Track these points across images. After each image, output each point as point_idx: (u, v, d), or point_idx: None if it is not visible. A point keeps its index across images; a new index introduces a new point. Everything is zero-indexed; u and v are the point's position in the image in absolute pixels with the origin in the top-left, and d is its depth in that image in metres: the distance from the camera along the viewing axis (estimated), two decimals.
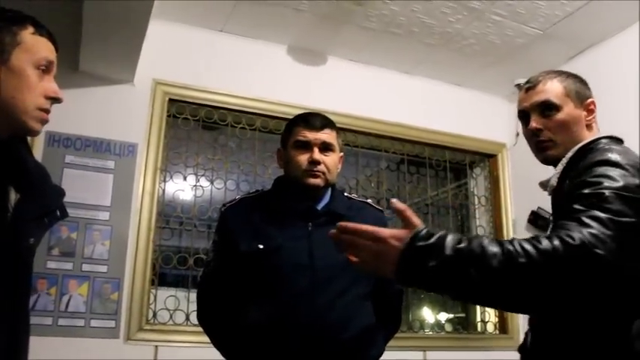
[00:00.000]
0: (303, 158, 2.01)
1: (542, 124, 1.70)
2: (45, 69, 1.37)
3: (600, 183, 1.36)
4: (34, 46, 1.35)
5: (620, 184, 1.35)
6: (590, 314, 1.37)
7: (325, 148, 2.04)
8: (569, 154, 1.62)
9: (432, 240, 1.23)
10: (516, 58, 3.77)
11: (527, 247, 1.22)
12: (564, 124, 1.68)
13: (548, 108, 1.70)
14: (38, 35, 1.37)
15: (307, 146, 2.03)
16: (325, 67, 3.91)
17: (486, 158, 4.41)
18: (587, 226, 1.25)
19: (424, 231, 1.24)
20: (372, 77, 4.03)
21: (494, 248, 1.22)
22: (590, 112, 1.70)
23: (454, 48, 3.78)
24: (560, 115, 1.68)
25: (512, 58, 3.79)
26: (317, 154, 2.01)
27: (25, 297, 1.44)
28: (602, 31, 3.55)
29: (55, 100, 1.39)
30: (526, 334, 1.67)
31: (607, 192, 1.33)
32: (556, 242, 1.21)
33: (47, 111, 1.38)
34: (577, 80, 1.74)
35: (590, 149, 1.58)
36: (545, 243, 1.22)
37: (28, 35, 1.35)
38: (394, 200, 1.34)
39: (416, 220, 1.28)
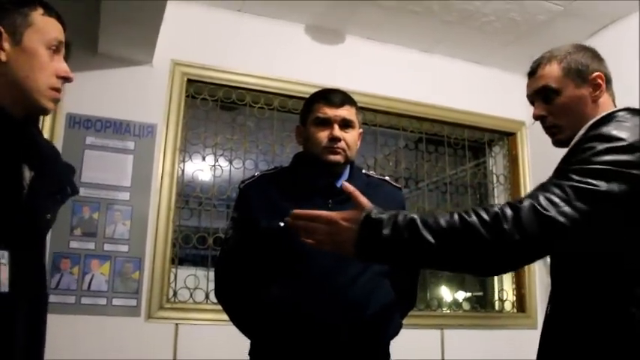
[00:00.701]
0: (323, 135, 2.00)
1: (546, 110, 1.69)
2: (55, 49, 1.40)
3: (585, 158, 1.39)
4: (45, 27, 1.39)
5: (604, 158, 1.37)
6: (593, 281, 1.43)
7: (345, 124, 2.03)
8: (581, 132, 1.57)
9: (385, 215, 1.36)
10: (537, 35, 3.71)
11: (480, 210, 1.34)
12: (566, 108, 1.65)
13: (547, 93, 1.68)
14: (47, 16, 1.41)
15: (327, 123, 2.01)
16: (343, 46, 3.89)
17: (505, 136, 4.38)
18: (547, 191, 1.33)
19: (375, 209, 1.38)
20: (391, 56, 4.01)
21: (445, 215, 1.36)
22: (597, 86, 1.64)
23: (473, 25, 3.73)
24: (560, 99, 1.65)
25: (533, 35, 3.73)
26: (337, 131, 2.00)
27: (43, 269, 1.49)
28: (623, 7, 3.48)
29: (66, 79, 1.43)
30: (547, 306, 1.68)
31: (582, 166, 1.37)
32: (506, 208, 1.32)
33: (59, 90, 1.42)
34: (582, 55, 1.68)
35: (603, 123, 1.54)
36: (496, 207, 1.33)
37: (38, 16, 1.39)
38: (345, 183, 1.48)
39: (364, 201, 1.42)
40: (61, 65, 1.41)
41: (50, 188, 1.45)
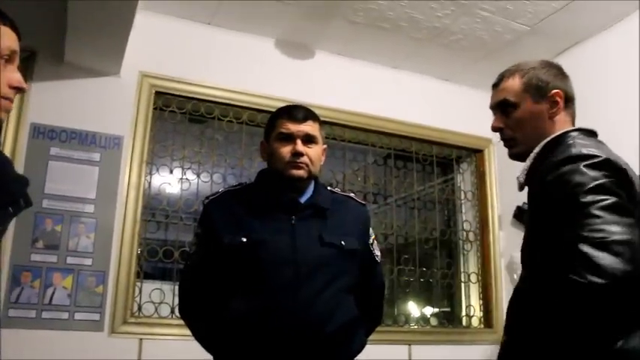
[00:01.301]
0: (286, 150, 2.00)
1: (503, 123, 1.72)
2: (7, 59, 1.35)
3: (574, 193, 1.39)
4: None
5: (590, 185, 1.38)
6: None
7: (308, 140, 2.03)
8: (537, 150, 1.61)
9: None
10: (504, 53, 3.77)
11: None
12: (521, 122, 1.68)
13: (506, 106, 1.71)
14: (1, 24, 1.35)
15: (290, 138, 2.01)
16: (313, 61, 3.90)
17: (473, 153, 4.42)
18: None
19: None
20: (360, 71, 4.03)
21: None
22: (555, 103, 1.66)
23: (442, 43, 3.78)
24: (517, 113, 1.68)
25: (500, 53, 3.79)
26: (300, 146, 2.00)
27: None
28: (589, 27, 3.56)
29: (19, 89, 1.38)
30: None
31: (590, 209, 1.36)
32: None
33: (11, 100, 1.36)
34: (545, 71, 1.70)
35: (558, 143, 1.58)
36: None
37: None
38: None
39: None
40: (14, 75, 1.36)
41: (2, 200, 1.40)
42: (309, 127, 2.04)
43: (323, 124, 2.16)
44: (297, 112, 2.06)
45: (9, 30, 1.37)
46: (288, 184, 2.03)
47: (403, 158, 4.24)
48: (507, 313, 1.64)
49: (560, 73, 1.73)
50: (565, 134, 1.60)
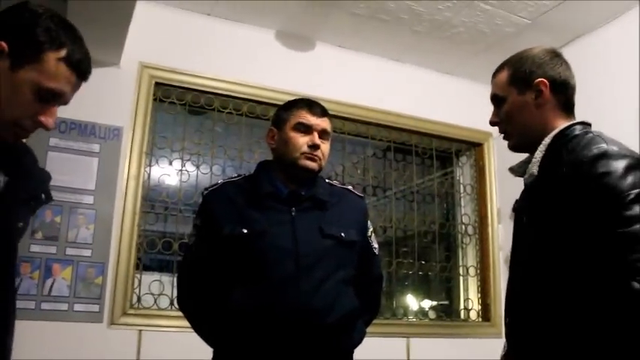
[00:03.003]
0: (304, 140, 2.01)
1: (498, 117, 1.74)
2: (46, 100, 1.27)
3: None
4: (49, 72, 1.25)
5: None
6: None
7: (324, 135, 2.06)
8: (547, 141, 1.60)
9: None
10: (505, 47, 3.73)
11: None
12: (510, 115, 1.69)
13: (496, 101, 1.73)
14: (64, 64, 1.27)
15: (309, 130, 2.03)
16: (313, 53, 3.89)
17: (472, 147, 4.42)
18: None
19: None
20: (360, 64, 4.02)
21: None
22: (539, 92, 1.64)
23: (443, 36, 3.77)
24: (505, 107, 1.70)
25: (501, 47, 3.78)
26: (317, 139, 2.03)
27: (12, 278, 1.42)
28: (590, 21, 3.56)
29: (42, 126, 1.30)
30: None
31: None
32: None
33: (26, 130, 1.30)
34: (531, 60, 1.68)
35: (565, 136, 1.58)
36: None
37: (52, 59, 1.25)
38: None
39: None
40: (45, 111, 1.28)
41: (24, 194, 1.39)
42: (326, 123, 2.08)
43: None
44: (316, 106, 2.10)
45: (68, 73, 1.29)
46: (296, 175, 2.04)
47: (403, 151, 4.23)
48: (517, 316, 1.61)
49: (551, 59, 1.70)
50: (569, 127, 1.60)
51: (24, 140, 1.41)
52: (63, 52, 1.26)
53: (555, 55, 1.72)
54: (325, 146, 2.06)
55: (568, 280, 1.44)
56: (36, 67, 1.24)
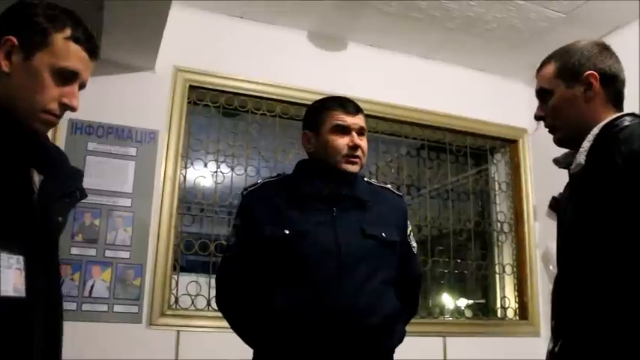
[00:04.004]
0: (343, 142, 1.99)
1: (543, 111, 1.69)
2: (65, 78, 1.34)
3: None
4: (61, 52, 1.33)
5: None
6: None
7: (361, 132, 2.04)
8: (595, 131, 1.55)
9: None
10: (539, 42, 3.70)
11: None
12: (557, 109, 1.65)
13: (543, 94, 1.69)
14: (73, 42, 1.35)
15: (346, 130, 2.01)
16: (345, 53, 3.89)
17: (507, 144, 4.37)
18: None
19: None
20: (392, 62, 4.01)
21: None
22: (589, 86, 1.60)
23: (475, 32, 3.74)
24: (552, 101, 1.65)
25: (534, 42, 3.73)
26: (357, 139, 2.01)
27: (57, 272, 1.48)
28: (625, 14, 3.48)
29: (68, 107, 1.37)
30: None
31: None
32: None
33: (56, 115, 1.36)
34: (580, 53, 1.64)
35: (615, 126, 1.53)
36: None
37: (60, 39, 1.34)
38: None
39: None
40: (67, 91, 1.35)
41: (59, 192, 1.44)
42: (362, 120, 2.06)
43: None
44: (350, 104, 2.07)
45: (79, 49, 1.36)
46: (336, 177, 2.02)
47: (436, 149, 4.21)
48: (566, 318, 1.56)
49: (600, 51, 1.66)
50: (620, 118, 1.55)
51: (61, 147, 1.45)
52: (68, 32, 1.34)
53: (604, 47, 1.68)
54: (364, 143, 2.04)
55: (625, 277, 1.39)
56: (47, 50, 1.32)
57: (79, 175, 1.56)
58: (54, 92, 1.33)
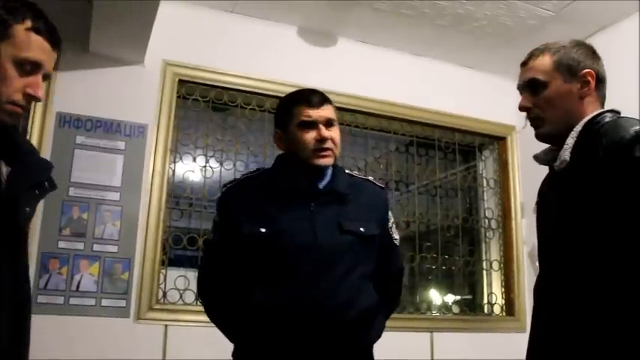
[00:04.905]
0: (311, 137, 1.97)
1: (532, 102, 1.68)
2: (30, 69, 1.35)
3: None
4: (23, 44, 1.33)
5: None
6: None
7: (329, 123, 2.00)
8: (578, 128, 1.57)
9: None
10: (528, 40, 3.66)
11: None
12: (551, 101, 1.64)
13: (535, 85, 1.67)
14: (34, 32, 1.35)
15: (312, 125, 1.98)
16: (335, 49, 3.89)
17: (496, 141, 4.39)
18: None
19: None
20: (383, 59, 4.01)
21: None
22: (586, 83, 1.63)
23: (465, 30, 3.75)
24: (547, 92, 1.65)
25: (524, 40, 3.73)
26: (324, 131, 1.97)
27: (26, 262, 1.48)
28: (615, 13, 3.51)
29: (32, 98, 1.37)
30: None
31: None
32: None
33: (21, 106, 1.36)
34: (576, 50, 1.67)
35: (597, 122, 1.55)
36: None
37: (21, 31, 1.33)
38: None
39: None
40: (30, 81, 1.35)
41: (28, 183, 1.44)
42: (329, 111, 2.02)
43: (345, 111, 2.14)
44: (314, 97, 2.02)
45: (41, 40, 1.36)
46: (310, 171, 2.01)
47: (425, 146, 4.22)
48: (551, 311, 1.58)
49: (591, 52, 1.69)
50: (600, 115, 1.58)
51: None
52: (28, 23, 1.34)
53: (594, 50, 1.71)
54: (334, 133, 2.00)
55: (610, 269, 1.41)
56: (8, 42, 1.32)
57: (48, 166, 1.56)
58: (17, 83, 1.33)
